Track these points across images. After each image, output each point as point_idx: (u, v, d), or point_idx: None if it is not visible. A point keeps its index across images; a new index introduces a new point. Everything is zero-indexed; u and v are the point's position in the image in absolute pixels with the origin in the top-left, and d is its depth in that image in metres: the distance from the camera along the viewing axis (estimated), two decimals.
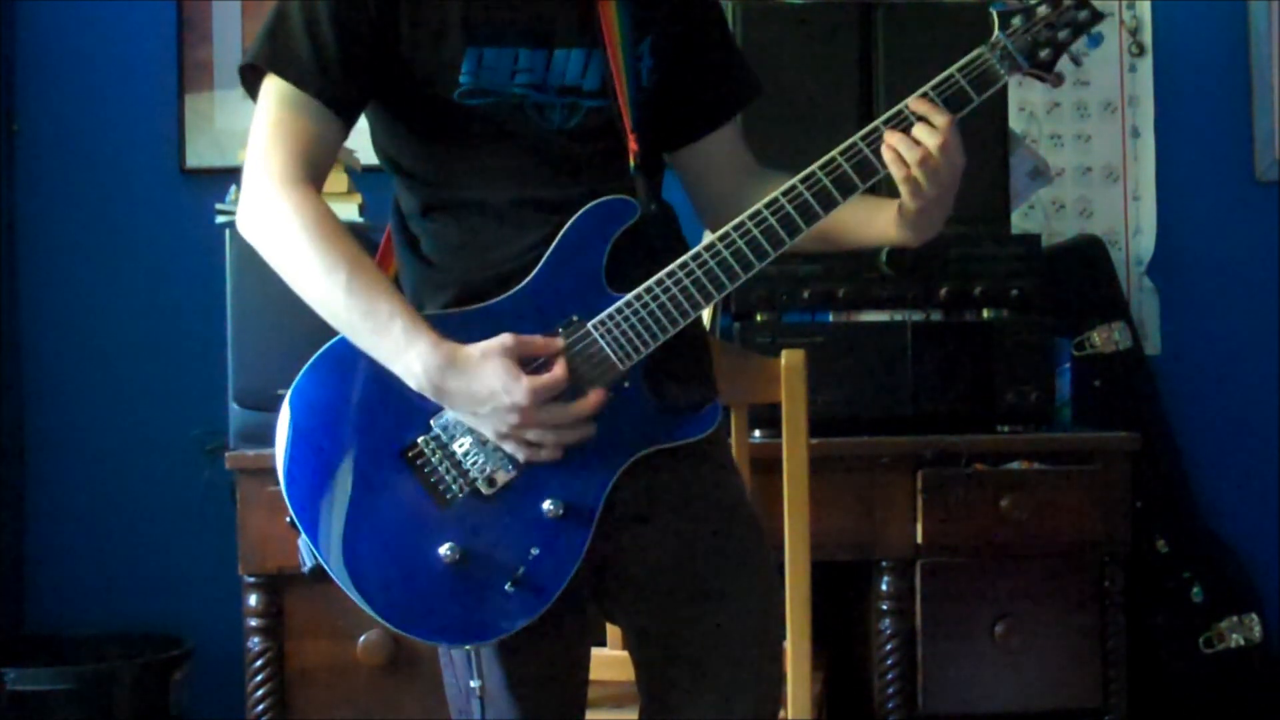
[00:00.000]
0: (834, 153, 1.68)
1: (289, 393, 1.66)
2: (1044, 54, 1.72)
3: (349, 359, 1.64)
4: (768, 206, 1.67)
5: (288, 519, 1.64)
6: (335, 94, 1.65)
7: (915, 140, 1.66)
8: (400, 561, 1.62)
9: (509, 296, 1.66)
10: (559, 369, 1.60)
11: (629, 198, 1.68)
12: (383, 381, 1.62)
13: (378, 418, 1.64)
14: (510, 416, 1.58)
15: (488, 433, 1.61)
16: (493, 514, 1.63)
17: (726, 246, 1.67)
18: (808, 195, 1.67)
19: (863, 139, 1.68)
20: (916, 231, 1.75)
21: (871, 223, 1.80)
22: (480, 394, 1.57)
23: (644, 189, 1.70)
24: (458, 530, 1.62)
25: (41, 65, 3.27)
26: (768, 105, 1.96)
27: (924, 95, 1.68)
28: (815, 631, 2.21)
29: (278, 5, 1.69)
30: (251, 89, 1.71)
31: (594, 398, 1.61)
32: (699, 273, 1.66)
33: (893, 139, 1.67)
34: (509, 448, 1.62)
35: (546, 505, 1.63)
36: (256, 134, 1.66)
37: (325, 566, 1.62)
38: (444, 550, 1.61)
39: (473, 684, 1.67)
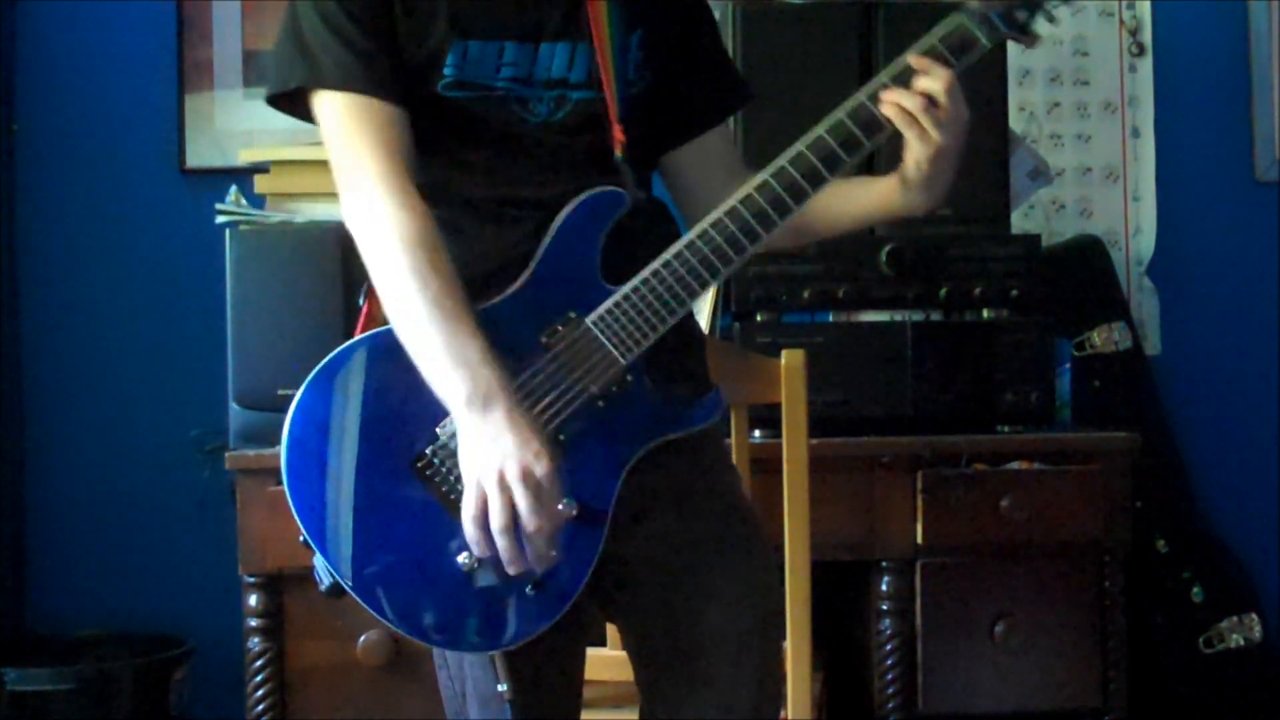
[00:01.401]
0: (837, 112, 1.67)
1: (290, 411, 1.64)
2: (1020, 15, 1.71)
3: (347, 373, 1.63)
4: (758, 188, 1.66)
5: (301, 539, 1.63)
6: (386, 83, 1.64)
7: (917, 90, 1.65)
8: (418, 574, 1.61)
9: (506, 298, 1.65)
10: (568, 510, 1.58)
11: (617, 189, 1.67)
12: (385, 394, 1.61)
13: (383, 431, 1.62)
14: (512, 465, 1.52)
15: (472, 471, 1.55)
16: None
17: (720, 232, 1.65)
18: (815, 159, 1.66)
19: (867, 96, 1.67)
20: (923, 194, 1.72)
21: (867, 197, 1.78)
22: (514, 436, 1.53)
23: (631, 179, 1.69)
24: None
25: (41, 65, 3.27)
26: (768, 105, 1.97)
27: (923, 52, 1.67)
28: (815, 631, 2.21)
29: (287, 22, 1.68)
30: (287, 109, 1.71)
31: (548, 551, 1.57)
32: (694, 260, 1.65)
33: (891, 94, 1.66)
34: (465, 512, 1.55)
35: (560, 505, 1.61)
36: (338, 152, 1.65)
37: (343, 584, 1.61)
38: (461, 559, 1.60)
39: (500, 689, 1.65)
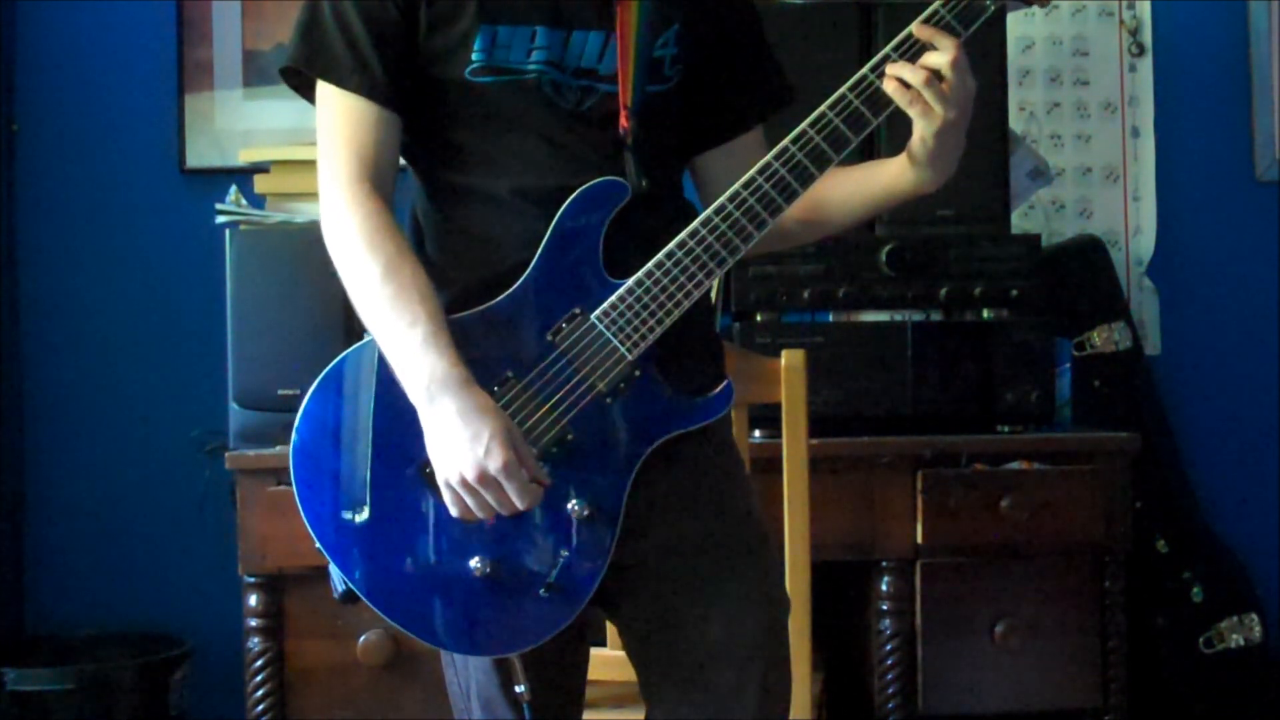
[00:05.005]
0: (844, 89, 1.63)
1: (296, 420, 1.64)
2: None
3: (352, 379, 1.64)
4: (761, 172, 1.64)
5: (316, 547, 1.63)
6: (378, 88, 1.64)
7: (921, 65, 1.60)
8: (430, 579, 1.61)
9: (508, 296, 1.64)
10: (539, 484, 1.58)
11: (618, 179, 1.65)
12: (389, 398, 1.60)
13: (390, 436, 1.62)
14: (469, 469, 1.54)
15: (437, 470, 1.57)
16: (518, 521, 1.60)
17: (724, 220, 1.63)
18: (820, 139, 1.63)
19: (872, 70, 1.63)
20: (932, 170, 1.68)
21: (876, 181, 1.74)
22: (462, 431, 1.54)
23: (634, 169, 1.66)
24: (485, 541, 1.61)
25: (41, 65, 3.27)
26: None
27: (926, 21, 1.61)
28: (815, 631, 2.21)
29: (307, 4, 1.68)
30: (295, 87, 1.72)
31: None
32: (698, 249, 1.63)
33: (894, 69, 1.61)
34: (447, 496, 1.58)
35: (571, 506, 1.61)
36: (319, 139, 1.67)
37: (357, 591, 1.62)
38: (474, 563, 1.60)
39: (519, 689, 1.66)
